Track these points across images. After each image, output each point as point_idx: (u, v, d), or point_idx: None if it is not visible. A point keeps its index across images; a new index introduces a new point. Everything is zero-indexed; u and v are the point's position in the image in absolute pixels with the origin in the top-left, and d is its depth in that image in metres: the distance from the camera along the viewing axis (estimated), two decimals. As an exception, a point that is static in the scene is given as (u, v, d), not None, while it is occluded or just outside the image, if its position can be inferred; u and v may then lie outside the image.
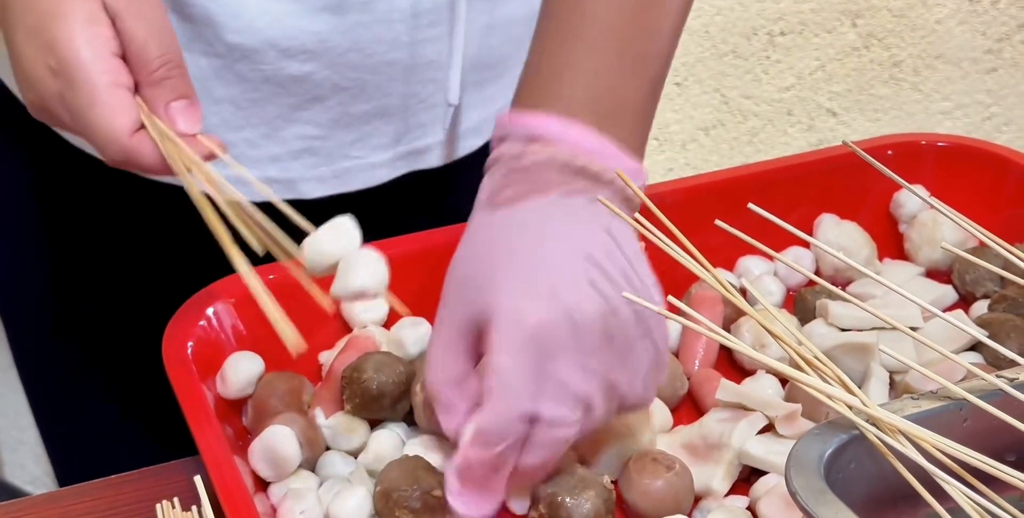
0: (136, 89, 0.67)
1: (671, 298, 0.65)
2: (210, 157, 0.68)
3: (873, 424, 0.61)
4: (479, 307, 0.68)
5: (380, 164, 0.89)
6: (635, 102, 0.75)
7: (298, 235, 0.71)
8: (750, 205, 0.69)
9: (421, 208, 0.95)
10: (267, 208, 0.69)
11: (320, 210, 0.90)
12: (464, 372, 0.70)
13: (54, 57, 0.66)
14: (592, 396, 0.67)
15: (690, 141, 1.84)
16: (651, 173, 0.76)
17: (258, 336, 0.81)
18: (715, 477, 0.74)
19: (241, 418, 0.79)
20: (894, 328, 0.70)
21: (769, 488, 0.72)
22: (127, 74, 0.67)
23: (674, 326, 0.85)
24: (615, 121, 0.73)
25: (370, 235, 0.83)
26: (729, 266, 0.91)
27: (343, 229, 0.72)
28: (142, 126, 0.67)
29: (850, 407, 0.62)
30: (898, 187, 0.85)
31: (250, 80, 0.83)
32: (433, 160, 0.91)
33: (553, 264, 0.68)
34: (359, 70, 0.84)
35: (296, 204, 0.88)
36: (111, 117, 0.65)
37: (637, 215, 0.68)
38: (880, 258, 0.92)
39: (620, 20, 0.74)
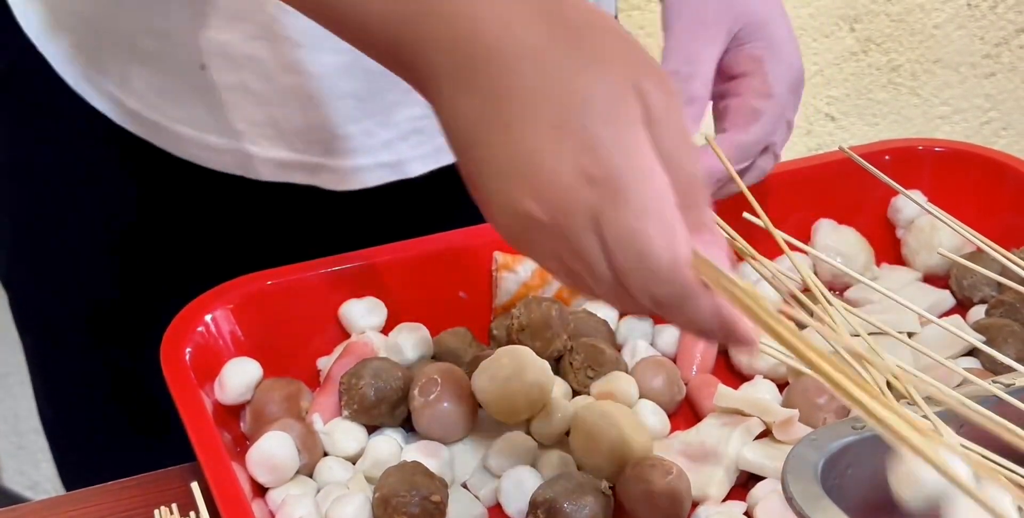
0: None
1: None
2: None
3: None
4: (750, 24, 0.80)
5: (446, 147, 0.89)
6: None
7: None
8: (745, 215, 0.69)
9: None
10: None
11: (421, 187, 0.89)
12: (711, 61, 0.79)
13: (597, 163, 0.51)
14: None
15: (689, 146, 1.84)
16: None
17: (256, 342, 0.81)
18: (712, 482, 0.74)
19: (239, 424, 0.79)
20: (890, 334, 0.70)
21: (766, 493, 0.72)
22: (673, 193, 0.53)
23: (671, 331, 0.86)
24: None
25: (469, 207, 0.83)
26: (727, 271, 0.91)
27: None
28: None
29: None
30: (896, 192, 0.85)
31: (373, 72, 0.82)
32: None
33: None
34: None
35: (400, 184, 0.88)
36: (673, 243, 0.52)
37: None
38: (878, 263, 0.93)
39: None
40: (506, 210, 0.54)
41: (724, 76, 0.81)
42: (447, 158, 0.88)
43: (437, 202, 0.91)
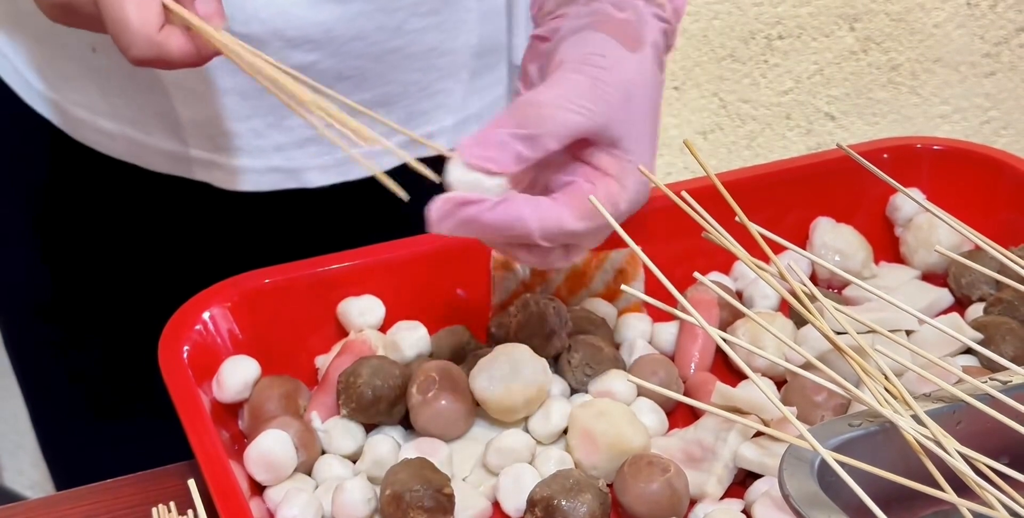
0: None
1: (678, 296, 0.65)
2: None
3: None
4: None
5: (383, 152, 0.90)
6: None
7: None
8: (738, 218, 0.69)
9: (426, 195, 0.96)
10: None
11: (324, 199, 0.90)
12: None
13: None
14: None
15: (688, 145, 1.84)
16: (647, 177, 0.77)
17: (254, 340, 0.81)
18: (710, 480, 0.74)
19: (237, 422, 0.80)
20: (890, 330, 0.70)
21: (763, 491, 0.72)
22: None
23: (670, 329, 0.86)
24: None
25: (376, 223, 0.84)
26: (725, 269, 0.91)
27: None
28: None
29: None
30: (894, 190, 0.85)
31: None
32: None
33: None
34: (362, 59, 0.85)
35: (299, 193, 0.89)
36: (139, 11, 0.66)
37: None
38: (876, 261, 0.93)
39: None
40: (42, 6, 0.70)
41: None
42: (354, 173, 0.89)
43: (341, 216, 0.92)
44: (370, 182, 0.90)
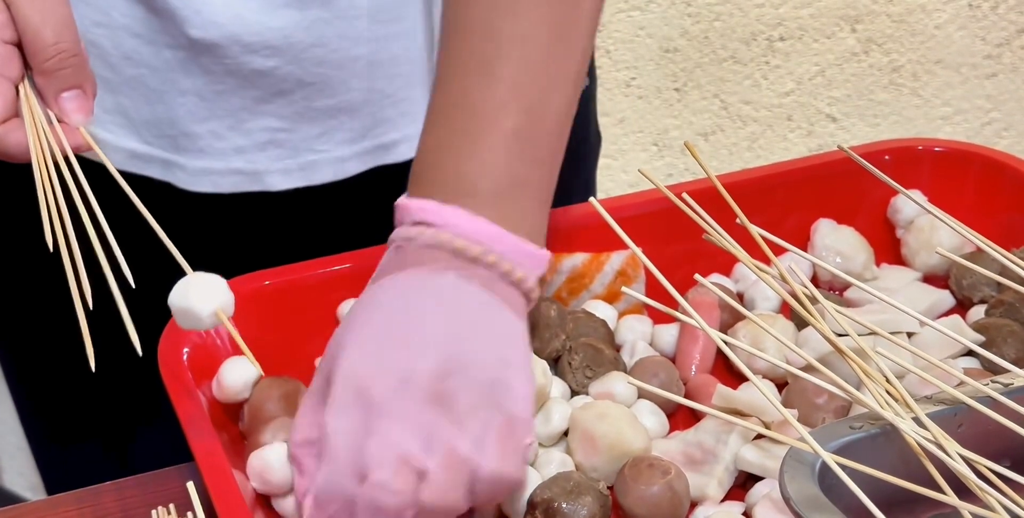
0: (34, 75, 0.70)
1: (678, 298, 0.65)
2: (82, 149, 0.71)
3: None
4: (330, 370, 0.69)
5: (347, 158, 0.90)
6: (528, 183, 0.75)
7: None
8: (739, 220, 0.69)
9: (390, 202, 0.96)
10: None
11: (287, 203, 0.90)
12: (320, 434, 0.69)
13: None
14: (420, 458, 0.65)
15: (690, 146, 1.84)
16: (649, 178, 0.77)
17: (254, 341, 0.81)
18: (711, 483, 0.74)
19: (237, 423, 0.79)
20: (891, 332, 0.70)
21: (764, 494, 0.72)
22: (14, 63, 0.70)
23: (671, 331, 0.86)
24: (505, 204, 0.74)
25: (340, 229, 0.85)
26: (726, 271, 0.91)
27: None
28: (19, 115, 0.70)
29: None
30: (895, 192, 0.85)
31: (214, 73, 0.84)
32: (400, 155, 0.92)
33: (395, 327, 0.69)
34: (323, 65, 0.85)
35: (264, 196, 0.89)
36: None
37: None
38: (878, 263, 0.92)
39: (514, 104, 0.74)
40: None
41: None
42: (317, 177, 0.89)
43: (307, 220, 0.91)
44: (335, 187, 0.90)
